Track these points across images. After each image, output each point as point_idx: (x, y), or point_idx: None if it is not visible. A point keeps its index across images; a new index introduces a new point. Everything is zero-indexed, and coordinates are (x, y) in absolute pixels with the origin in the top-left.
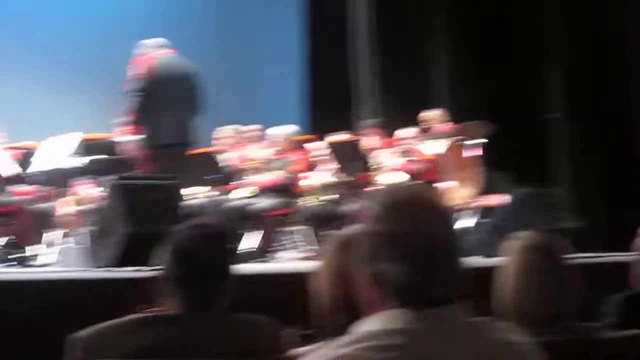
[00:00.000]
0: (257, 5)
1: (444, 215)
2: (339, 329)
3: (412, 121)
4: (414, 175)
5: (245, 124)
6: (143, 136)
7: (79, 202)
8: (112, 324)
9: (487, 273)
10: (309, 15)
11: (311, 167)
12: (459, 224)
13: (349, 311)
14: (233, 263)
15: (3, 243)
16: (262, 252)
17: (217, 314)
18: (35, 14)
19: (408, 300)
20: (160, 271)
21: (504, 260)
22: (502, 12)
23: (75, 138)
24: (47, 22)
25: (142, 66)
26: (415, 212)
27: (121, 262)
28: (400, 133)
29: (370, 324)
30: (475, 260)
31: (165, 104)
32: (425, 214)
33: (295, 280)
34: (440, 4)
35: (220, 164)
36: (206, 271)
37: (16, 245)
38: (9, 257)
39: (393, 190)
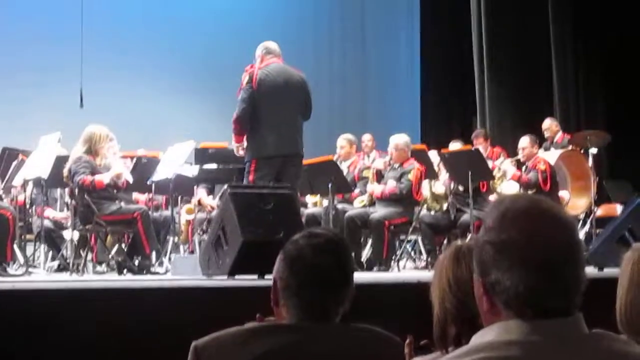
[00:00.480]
0: (375, 16)
1: (565, 224)
2: (455, 340)
3: (528, 130)
4: (530, 185)
5: (360, 132)
6: (249, 146)
7: (193, 211)
8: (229, 333)
9: (602, 284)
10: (425, 27)
11: (427, 176)
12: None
13: (464, 322)
14: (350, 272)
15: (119, 251)
16: (380, 261)
17: (335, 323)
18: (152, 22)
19: (523, 311)
20: (276, 280)
21: (620, 271)
22: (625, 28)
23: (190, 146)
24: (162, 30)
25: (247, 76)
26: (531, 221)
27: (236, 271)
28: (519, 142)
29: (485, 335)
30: (590, 271)
31: (269, 115)
32: (544, 224)
33: (412, 290)
34: (561, 16)
35: (339, 173)
36: (323, 281)
37: (132, 253)
38: (126, 264)
39: (509, 199)
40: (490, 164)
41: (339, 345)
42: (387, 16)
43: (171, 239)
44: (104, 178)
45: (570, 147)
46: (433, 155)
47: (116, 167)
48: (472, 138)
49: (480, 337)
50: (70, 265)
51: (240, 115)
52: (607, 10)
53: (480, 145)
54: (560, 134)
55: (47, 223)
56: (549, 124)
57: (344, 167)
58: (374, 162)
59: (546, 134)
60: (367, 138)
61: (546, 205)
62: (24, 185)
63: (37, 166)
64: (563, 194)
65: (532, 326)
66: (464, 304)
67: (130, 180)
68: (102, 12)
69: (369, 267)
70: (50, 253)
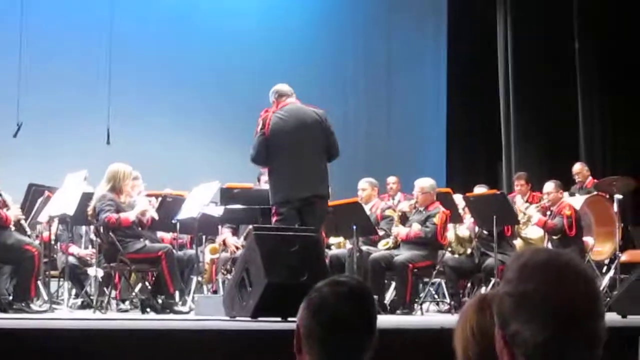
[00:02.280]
0: (401, 59)
1: (585, 277)
2: None
3: (553, 175)
4: (555, 230)
5: (385, 175)
6: (270, 191)
7: (217, 250)
8: None
9: (626, 332)
10: (451, 69)
11: (452, 219)
12: (599, 281)
13: None
14: (374, 321)
15: (143, 289)
16: (403, 304)
17: None
18: (180, 63)
19: None
20: (299, 327)
21: None
22: None
23: (215, 186)
24: (189, 71)
25: (261, 121)
26: (551, 274)
27: (260, 313)
28: (544, 187)
29: None
30: (613, 318)
31: (284, 158)
32: (563, 276)
33: (436, 336)
34: (588, 64)
35: (364, 214)
36: (346, 329)
37: (156, 291)
38: (149, 303)
39: (529, 251)
40: (518, 208)
41: None
42: (414, 60)
43: (195, 278)
44: (130, 215)
45: (595, 193)
46: (458, 198)
47: (141, 204)
48: (513, 179)
49: None
50: (94, 302)
51: (254, 159)
52: (633, 56)
53: (522, 187)
54: (590, 178)
55: (71, 260)
56: (579, 168)
57: (365, 209)
58: (399, 204)
59: (577, 178)
60: (392, 180)
61: (566, 257)
62: (50, 222)
63: (63, 203)
64: (588, 239)
65: None
66: (487, 354)
67: (156, 217)
68: (129, 51)
69: (392, 310)
70: (74, 290)
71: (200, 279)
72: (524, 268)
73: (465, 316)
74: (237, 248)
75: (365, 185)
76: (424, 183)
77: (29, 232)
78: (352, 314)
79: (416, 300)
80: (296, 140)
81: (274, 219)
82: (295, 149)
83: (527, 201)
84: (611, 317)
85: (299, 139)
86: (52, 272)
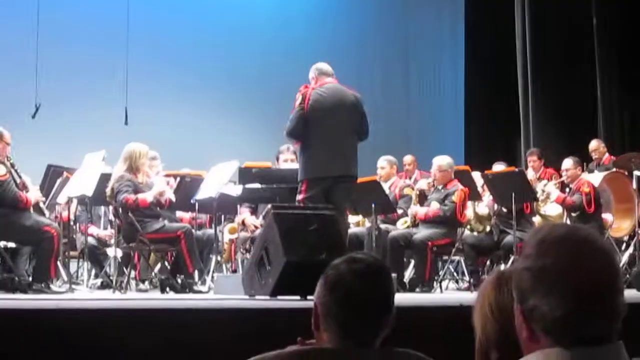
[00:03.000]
0: (419, 38)
1: (604, 251)
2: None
3: (571, 152)
4: (574, 207)
5: (403, 154)
6: (300, 166)
7: (236, 230)
8: (270, 357)
9: None
10: (469, 48)
11: (471, 197)
12: (618, 257)
13: (506, 348)
14: (391, 298)
15: (162, 269)
16: (422, 282)
17: (375, 348)
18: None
19: (562, 338)
20: (317, 305)
21: None
22: None
23: (234, 166)
24: (206, 49)
25: (301, 96)
26: (569, 248)
27: (279, 291)
28: (562, 163)
29: None
30: (633, 295)
31: (321, 135)
32: (582, 250)
33: (455, 313)
34: (606, 39)
35: (383, 193)
36: (363, 307)
37: (175, 271)
38: (168, 283)
39: (548, 227)
40: (537, 185)
41: None
42: (432, 37)
43: (214, 257)
44: (147, 196)
45: (614, 170)
46: (477, 176)
47: (158, 185)
48: (526, 155)
49: None
50: (114, 282)
51: (290, 132)
52: None
53: (534, 163)
54: (607, 155)
55: (90, 240)
56: (596, 145)
57: (384, 187)
58: (416, 182)
59: (594, 155)
60: (408, 160)
61: (584, 232)
62: (69, 203)
63: (82, 184)
64: (607, 216)
65: (572, 355)
66: (505, 331)
67: (173, 198)
68: (147, 30)
69: (412, 288)
70: (94, 270)
71: (219, 258)
72: (542, 243)
73: (483, 293)
74: (256, 227)
75: (384, 163)
76: (441, 161)
77: (47, 214)
78: (369, 291)
79: (435, 278)
80: (334, 119)
81: (301, 195)
82: (332, 127)
83: (539, 177)
84: (631, 294)
85: (337, 117)
86: (72, 253)
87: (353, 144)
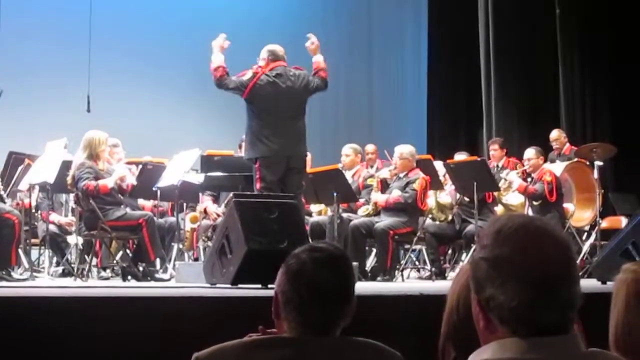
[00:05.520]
0: (382, 26)
1: (560, 241)
2: (457, 357)
3: (533, 142)
4: (536, 196)
5: (366, 142)
6: (250, 149)
7: (198, 218)
8: (231, 345)
9: (605, 298)
10: (432, 37)
11: (432, 186)
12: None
13: (462, 340)
14: (352, 288)
15: (124, 257)
16: (384, 270)
17: (335, 337)
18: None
19: (518, 327)
20: (277, 293)
21: (614, 292)
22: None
23: (196, 154)
24: (169, 36)
25: (251, 73)
26: (525, 238)
27: (240, 279)
28: (524, 153)
29: (482, 354)
30: (593, 285)
31: (267, 118)
32: (538, 240)
33: (416, 302)
34: (568, 29)
35: (344, 181)
36: (323, 296)
37: (137, 259)
38: (130, 271)
39: (505, 217)
40: (498, 174)
41: (338, 358)
42: (394, 26)
43: (176, 245)
44: (108, 182)
45: (575, 159)
46: (439, 165)
47: (119, 170)
48: (488, 144)
49: (477, 356)
50: (75, 270)
51: (220, 85)
52: (614, 23)
53: (496, 152)
54: (567, 145)
55: (52, 228)
56: (557, 135)
57: (348, 176)
58: (377, 171)
59: (554, 145)
60: (370, 149)
61: (540, 222)
62: (30, 190)
63: (43, 171)
64: (568, 206)
65: (529, 344)
66: (465, 325)
67: (134, 183)
68: (109, 18)
69: (373, 277)
70: (55, 258)
71: (181, 246)
72: (498, 233)
73: (454, 284)
74: (218, 215)
75: (349, 151)
76: (403, 149)
77: (7, 201)
78: (329, 280)
79: (397, 266)
80: (281, 102)
81: (258, 183)
82: (280, 111)
83: (502, 167)
84: (591, 284)
85: (284, 101)
86: (33, 240)
87: (302, 128)
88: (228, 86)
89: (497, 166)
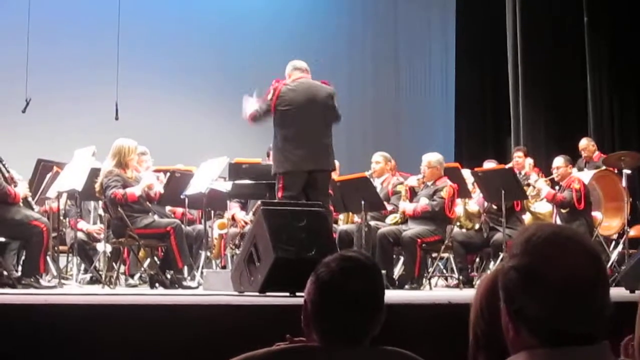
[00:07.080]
0: (409, 35)
1: (589, 251)
2: None
3: (561, 151)
4: (564, 204)
5: (394, 152)
6: (274, 162)
7: (225, 226)
8: (259, 354)
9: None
10: (460, 46)
11: (460, 194)
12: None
13: (493, 349)
14: (381, 297)
15: (152, 264)
16: (411, 279)
17: (364, 347)
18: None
19: (548, 338)
20: (307, 302)
21: None
22: None
23: (224, 162)
24: (198, 46)
25: (272, 90)
26: (556, 248)
27: (268, 288)
28: (552, 162)
29: None
30: (621, 293)
31: (292, 131)
32: (568, 250)
33: (444, 310)
34: (597, 38)
35: (372, 189)
36: (353, 305)
37: (165, 266)
38: (158, 278)
39: (535, 226)
40: (527, 182)
41: None
42: (422, 35)
43: (203, 253)
44: (136, 190)
45: (604, 168)
46: (466, 174)
47: (146, 178)
48: (513, 151)
49: None
50: (103, 277)
51: (254, 119)
52: None
53: (520, 159)
54: (596, 153)
55: (80, 235)
56: (585, 144)
57: (377, 183)
58: (408, 179)
59: (583, 154)
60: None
61: (570, 232)
62: (58, 197)
63: (72, 179)
64: (596, 214)
65: (558, 355)
66: (493, 332)
67: (162, 191)
68: (137, 27)
69: (401, 285)
70: (83, 265)
71: (208, 254)
72: (528, 242)
73: (478, 292)
74: (246, 223)
75: (379, 158)
76: (430, 157)
77: (35, 208)
78: (360, 289)
79: (424, 275)
80: (304, 114)
81: (280, 193)
82: (304, 123)
83: (526, 175)
84: (620, 292)
85: (308, 113)
86: (61, 248)
87: (327, 139)
88: (261, 114)
89: (520, 173)
